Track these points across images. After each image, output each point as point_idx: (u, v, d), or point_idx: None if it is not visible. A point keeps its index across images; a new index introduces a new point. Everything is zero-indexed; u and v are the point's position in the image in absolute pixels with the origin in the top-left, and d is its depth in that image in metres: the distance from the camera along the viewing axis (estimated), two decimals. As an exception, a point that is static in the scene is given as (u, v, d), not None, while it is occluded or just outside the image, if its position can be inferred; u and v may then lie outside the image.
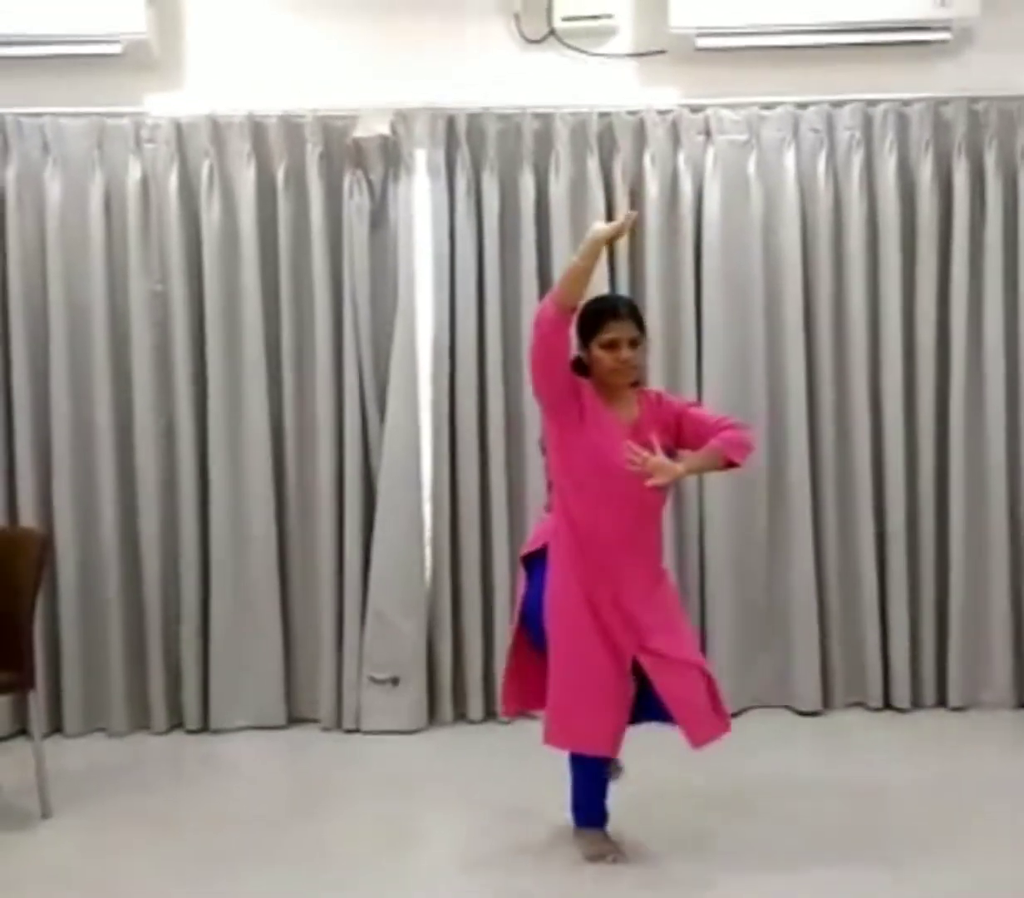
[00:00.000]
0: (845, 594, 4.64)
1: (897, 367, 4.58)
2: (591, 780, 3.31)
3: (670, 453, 3.26)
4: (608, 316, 3.24)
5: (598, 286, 4.44)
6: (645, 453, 3.10)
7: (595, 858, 3.28)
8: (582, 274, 3.13)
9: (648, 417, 3.28)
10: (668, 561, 4.50)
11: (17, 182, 4.43)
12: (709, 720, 3.21)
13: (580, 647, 3.20)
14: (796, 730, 4.49)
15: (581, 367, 3.30)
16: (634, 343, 3.24)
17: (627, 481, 3.13)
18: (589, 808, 3.34)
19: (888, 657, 4.61)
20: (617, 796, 3.39)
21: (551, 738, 3.24)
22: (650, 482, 3.09)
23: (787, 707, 4.63)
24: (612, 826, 3.36)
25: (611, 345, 3.22)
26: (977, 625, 4.61)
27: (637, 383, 3.37)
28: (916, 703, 4.62)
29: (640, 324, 3.30)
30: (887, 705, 4.61)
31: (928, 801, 3.71)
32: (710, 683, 3.24)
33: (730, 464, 3.25)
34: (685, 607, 4.55)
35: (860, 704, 4.65)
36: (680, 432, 3.32)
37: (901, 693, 4.60)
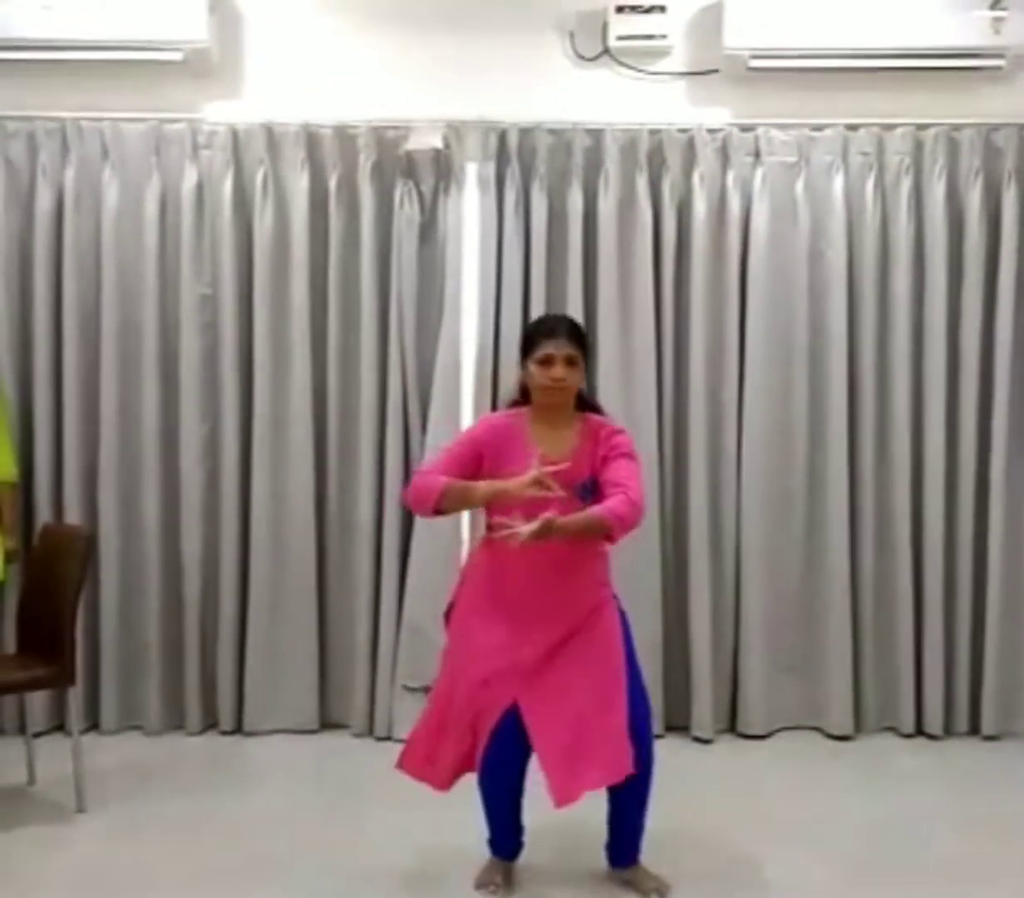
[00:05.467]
0: (880, 618, 4.62)
1: (940, 393, 4.57)
2: (496, 812, 3.29)
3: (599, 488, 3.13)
4: (544, 334, 3.21)
5: (643, 300, 4.51)
6: (517, 527, 2.90)
7: (480, 886, 3.28)
8: (470, 504, 3.13)
9: (587, 446, 3.15)
10: (702, 579, 4.55)
11: (75, 185, 4.50)
12: (574, 777, 3.04)
13: (455, 677, 3.18)
14: (826, 754, 4.46)
15: (524, 392, 3.27)
16: (570, 361, 3.17)
17: (537, 513, 2.93)
18: (498, 841, 3.33)
19: (922, 683, 4.59)
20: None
21: (400, 761, 3.27)
22: (514, 541, 2.90)
23: (818, 730, 4.62)
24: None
25: (545, 361, 3.17)
26: (1013, 654, 4.58)
27: (592, 408, 3.32)
28: (949, 730, 4.60)
29: (581, 345, 3.23)
30: (919, 731, 4.59)
31: (961, 832, 3.68)
32: (606, 722, 3.06)
33: (608, 538, 3.05)
34: (717, 627, 4.58)
35: (892, 729, 4.63)
36: (600, 470, 3.15)
37: (934, 720, 4.58)
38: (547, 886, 3.31)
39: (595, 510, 3.02)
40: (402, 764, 3.28)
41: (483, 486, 3.06)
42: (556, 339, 3.19)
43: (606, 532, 3.02)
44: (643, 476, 3.24)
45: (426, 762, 3.24)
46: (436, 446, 4.48)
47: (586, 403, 3.35)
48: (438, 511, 3.12)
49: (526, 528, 2.88)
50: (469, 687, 3.14)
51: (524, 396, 3.30)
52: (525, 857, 3.35)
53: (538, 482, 2.92)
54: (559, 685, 3.10)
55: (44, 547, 4.09)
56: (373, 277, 4.56)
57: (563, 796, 3.03)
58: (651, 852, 3.33)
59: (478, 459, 3.18)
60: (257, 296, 4.56)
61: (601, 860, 3.35)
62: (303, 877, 3.35)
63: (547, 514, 2.89)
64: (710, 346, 4.59)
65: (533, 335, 3.25)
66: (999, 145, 4.55)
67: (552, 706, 3.09)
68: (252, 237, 4.57)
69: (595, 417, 3.29)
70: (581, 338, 3.26)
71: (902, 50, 4.46)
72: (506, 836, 3.32)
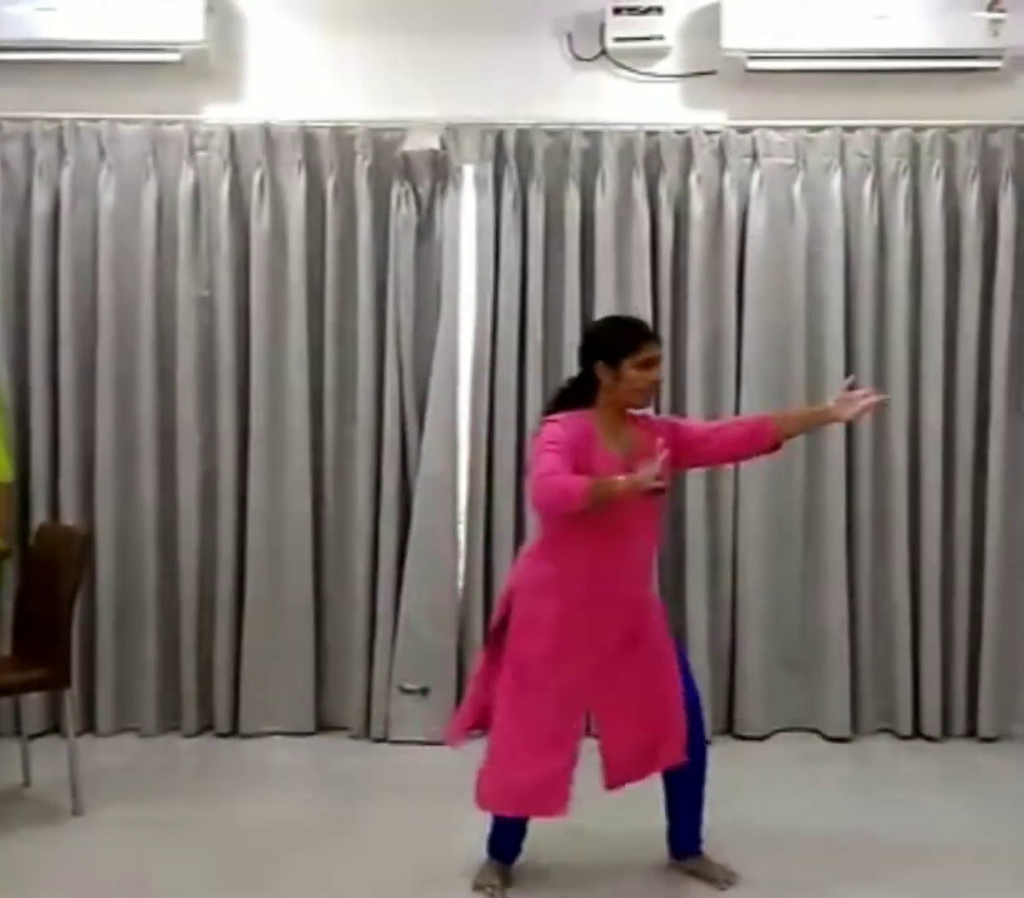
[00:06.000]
0: (877, 621, 4.62)
1: (937, 393, 4.57)
2: (512, 825, 3.29)
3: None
4: (643, 336, 3.19)
5: (640, 301, 4.51)
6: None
7: (477, 887, 3.28)
8: (612, 498, 3.00)
9: (648, 442, 3.12)
10: (701, 583, 4.56)
11: (72, 186, 4.49)
12: (633, 765, 3.21)
13: (536, 701, 3.12)
14: (824, 756, 4.46)
15: (582, 392, 3.21)
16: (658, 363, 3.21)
17: (623, 517, 3.07)
18: (502, 845, 3.33)
19: (919, 685, 4.59)
20: (637, 821, 3.39)
21: (486, 800, 3.20)
22: (658, 492, 2.99)
23: (815, 731, 4.62)
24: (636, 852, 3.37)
25: (647, 364, 3.16)
26: (1010, 656, 4.58)
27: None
28: (946, 732, 4.59)
29: None
30: (917, 733, 4.59)
31: (959, 834, 3.67)
32: (664, 713, 3.19)
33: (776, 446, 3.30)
34: (714, 629, 4.58)
35: (889, 731, 4.62)
36: (678, 442, 3.20)
37: (931, 722, 4.57)
38: (547, 887, 3.31)
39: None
40: (547, 810, 3.16)
41: (622, 480, 2.99)
42: (654, 341, 3.21)
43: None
44: None
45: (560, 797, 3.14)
46: (432, 445, 4.51)
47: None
48: (583, 509, 3.00)
49: (647, 470, 2.94)
50: (552, 701, 3.11)
51: (583, 396, 3.22)
52: (524, 858, 3.36)
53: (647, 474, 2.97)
54: (626, 681, 3.17)
55: (40, 547, 4.09)
56: (370, 278, 4.55)
57: (618, 780, 3.19)
58: (650, 853, 3.33)
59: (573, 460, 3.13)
60: (254, 297, 4.56)
61: (601, 860, 3.35)
62: (300, 879, 3.34)
63: (657, 460, 2.96)
64: (707, 347, 4.58)
65: (634, 337, 3.19)
66: (996, 146, 4.55)
67: (620, 705, 3.18)
68: (249, 238, 4.57)
69: (633, 413, 3.28)
70: None
71: (899, 52, 4.46)
72: (511, 841, 3.33)
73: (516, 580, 3.27)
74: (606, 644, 3.16)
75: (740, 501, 4.58)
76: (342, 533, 4.63)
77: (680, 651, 3.33)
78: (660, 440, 3.06)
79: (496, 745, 3.22)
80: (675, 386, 4.59)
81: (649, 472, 2.95)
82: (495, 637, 3.25)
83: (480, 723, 3.31)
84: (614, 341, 3.19)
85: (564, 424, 3.14)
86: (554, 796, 3.13)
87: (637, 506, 3.07)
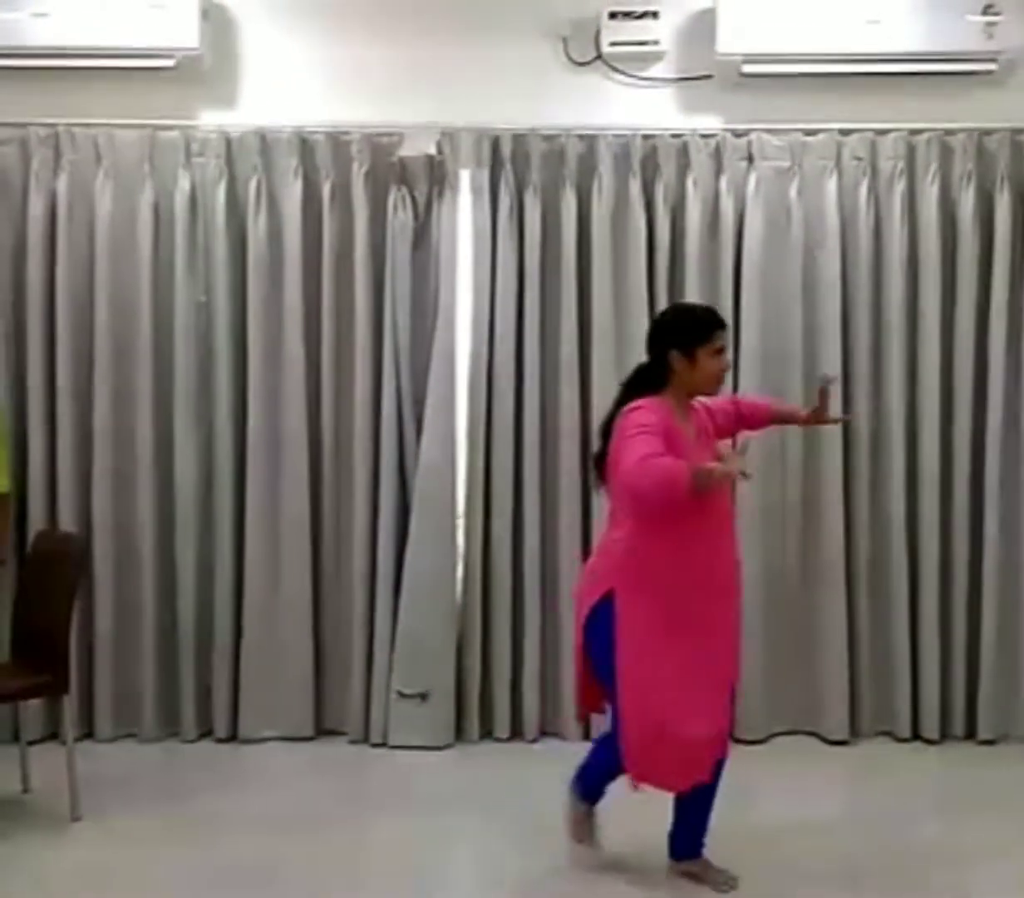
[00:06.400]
0: (876, 623, 4.62)
1: (935, 396, 4.57)
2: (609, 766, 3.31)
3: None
4: (717, 325, 3.27)
5: (637, 305, 4.51)
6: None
7: (579, 840, 3.40)
8: (711, 486, 2.97)
9: (704, 422, 3.32)
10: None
11: (68, 192, 4.49)
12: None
13: (661, 670, 3.11)
14: (823, 759, 4.46)
15: (653, 379, 3.24)
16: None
17: (713, 502, 3.12)
18: (589, 784, 3.39)
19: (918, 688, 4.59)
20: (637, 823, 3.39)
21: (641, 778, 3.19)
22: (744, 476, 2.99)
23: (815, 735, 4.62)
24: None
25: (721, 352, 3.26)
26: (1009, 658, 4.58)
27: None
28: (945, 734, 4.59)
29: None
30: (916, 736, 4.59)
31: (958, 837, 3.67)
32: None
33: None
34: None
35: (888, 733, 4.62)
36: (739, 416, 3.48)
37: (930, 724, 4.57)
38: (548, 886, 3.31)
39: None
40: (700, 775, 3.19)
41: (718, 467, 2.98)
42: (723, 330, 3.28)
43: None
44: None
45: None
46: (430, 450, 4.51)
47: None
48: (688, 494, 2.94)
49: (732, 461, 3.01)
50: (667, 691, 3.10)
51: (653, 383, 3.24)
52: (525, 858, 3.37)
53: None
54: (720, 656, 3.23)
55: (38, 554, 4.09)
56: (367, 283, 4.56)
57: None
58: (650, 853, 3.34)
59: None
60: (251, 303, 4.56)
61: (602, 860, 3.36)
62: (298, 885, 3.34)
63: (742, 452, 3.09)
64: (704, 351, 4.58)
65: (708, 324, 3.26)
66: (991, 149, 4.56)
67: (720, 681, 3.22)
68: (246, 244, 4.57)
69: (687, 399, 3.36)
70: None
71: (894, 55, 4.47)
72: (600, 781, 3.37)
73: (610, 577, 3.17)
74: (720, 617, 3.23)
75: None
76: (340, 537, 4.63)
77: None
78: (745, 435, 3.32)
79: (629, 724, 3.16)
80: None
81: (740, 464, 2.99)
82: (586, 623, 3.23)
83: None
84: (690, 329, 3.25)
85: (650, 408, 3.14)
86: (706, 763, 3.16)
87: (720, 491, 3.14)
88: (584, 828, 3.40)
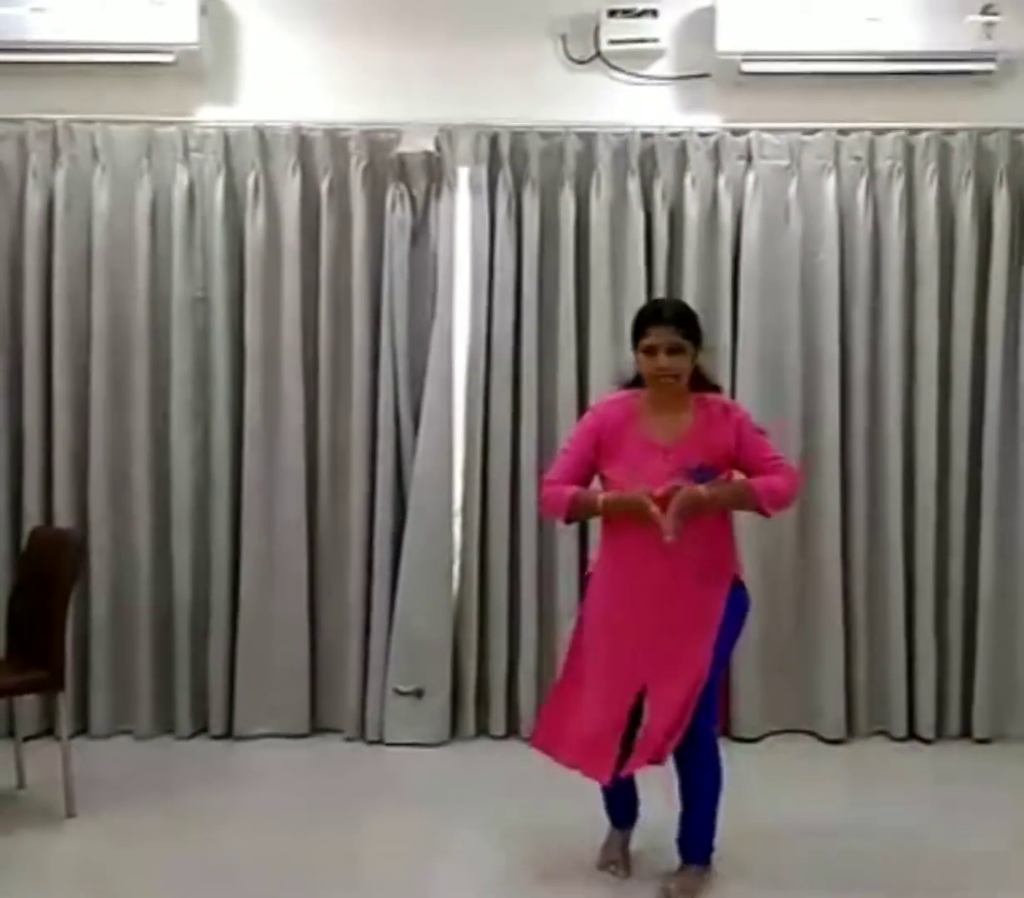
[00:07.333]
0: (872, 622, 4.62)
1: (932, 396, 4.58)
2: (613, 792, 3.28)
3: (716, 471, 3.14)
4: (649, 321, 3.16)
5: (635, 303, 4.49)
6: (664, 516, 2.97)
7: (601, 867, 3.33)
8: (595, 514, 3.19)
9: (700, 428, 3.14)
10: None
11: (66, 187, 4.49)
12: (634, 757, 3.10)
13: (587, 667, 3.19)
14: (819, 758, 4.46)
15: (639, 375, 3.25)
16: (675, 349, 3.11)
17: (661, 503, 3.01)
18: (615, 809, 3.36)
19: (914, 687, 4.59)
20: (642, 823, 3.39)
21: (538, 741, 3.29)
22: (667, 538, 2.94)
23: (811, 733, 4.62)
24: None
25: (649, 351, 3.13)
26: (1005, 657, 4.58)
27: (715, 388, 3.30)
28: (941, 733, 4.59)
29: (690, 330, 3.17)
30: (912, 735, 4.59)
31: (954, 835, 3.66)
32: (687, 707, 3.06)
33: (759, 511, 3.14)
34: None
35: (884, 732, 4.62)
36: (739, 454, 3.18)
37: (926, 723, 4.57)
38: (548, 887, 3.31)
39: (746, 481, 3.14)
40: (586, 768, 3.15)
41: (608, 499, 3.10)
42: (661, 327, 3.12)
43: (755, 505, 3.11)
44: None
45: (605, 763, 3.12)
46: (427, 446, 4.50)
47: (704, 382, 3.26)
48: (569, 521, 3.24)
49: (668, 524, 2.94)
50: (601, 672, 3.13)
51: (638, 378, 3.24)
52: (525, 859, 3.36)
53: (648, 505, 2.97)
54: (676, 665, 3.08)
55: (34, 551, 4.08)
56: (364, 280, 4.55)
57: (627, 769, 3.08)
58: (651, 853, 3.34)
59: (596, 449, 3.16)
60: (248, 299, 4.55)
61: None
62: (293, 881, 3.33)
63: (675, 484, 2.98)
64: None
65: (640, 321, 3.19)
66: (990, 149, 4.56)
67: (668, 688, 3.06)
68: (244, 240, 4.57)
69: (710, 397, 3.24)
70: (690, 323, 3.18)
71: (893, 54, 4.47)
72: (621, 806, 3.33)
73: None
74: (649, 629, 3.11)
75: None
76: (337, 535, 4.62)
77: (719, 659, 3.16)
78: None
79: (558, 691, 3.29)
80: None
81: (667, 523, 2.94)
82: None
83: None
84: (633, 327, 3.22)
85: (596, 411, 3.26)
86: (600, 759, 3.08)
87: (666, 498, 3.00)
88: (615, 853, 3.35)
